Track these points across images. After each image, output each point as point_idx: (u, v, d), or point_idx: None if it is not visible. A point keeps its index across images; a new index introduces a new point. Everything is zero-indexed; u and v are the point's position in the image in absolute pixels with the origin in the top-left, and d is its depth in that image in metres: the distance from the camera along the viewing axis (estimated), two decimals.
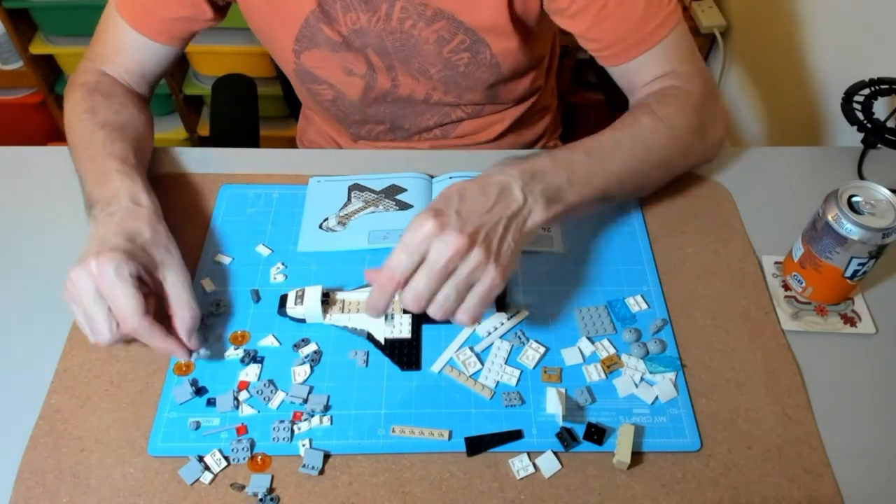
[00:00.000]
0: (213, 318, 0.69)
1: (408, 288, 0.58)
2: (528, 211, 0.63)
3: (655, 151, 0.72)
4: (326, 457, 0.60)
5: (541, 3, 0.79)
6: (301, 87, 0.96)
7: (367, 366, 0.65)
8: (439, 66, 0.85)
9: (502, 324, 0.68)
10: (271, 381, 0.64)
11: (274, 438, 0.60)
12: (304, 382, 0.64)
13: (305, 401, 0.62)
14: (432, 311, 0.59)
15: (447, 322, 0.68)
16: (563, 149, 0.69)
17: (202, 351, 0.64)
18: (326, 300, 0.69)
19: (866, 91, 0.86)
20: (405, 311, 0.69)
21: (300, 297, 0.67)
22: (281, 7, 0.81)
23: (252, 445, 0.60)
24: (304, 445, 0.60)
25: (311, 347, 0.66)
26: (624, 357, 0.66)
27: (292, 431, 0.61)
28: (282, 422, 0.61)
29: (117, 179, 0.68)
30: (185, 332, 0.63)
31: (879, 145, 0.84)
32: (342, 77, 0.88)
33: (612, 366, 0.65)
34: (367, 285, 0.71)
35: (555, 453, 0.60)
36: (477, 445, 0.60)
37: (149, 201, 0.68)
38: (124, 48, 0.82)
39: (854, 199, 0.65)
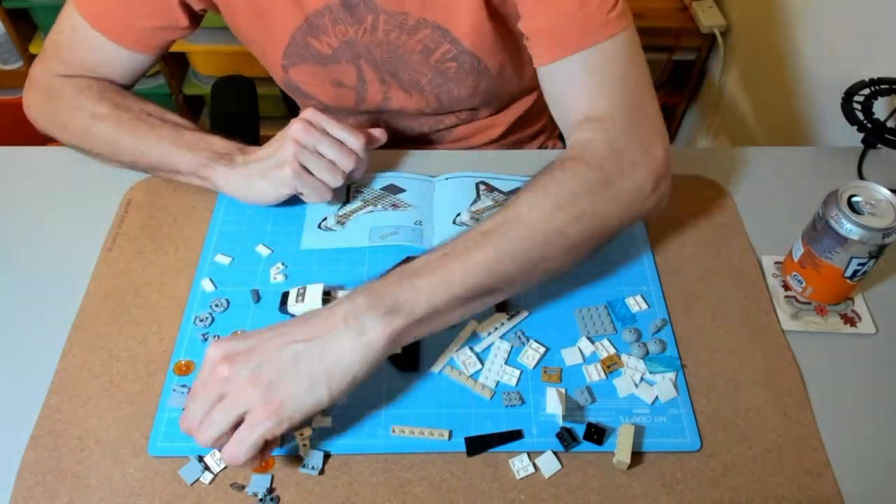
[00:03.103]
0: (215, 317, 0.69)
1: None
2: (356, 333, 0.53)
3: (538, 228, 0.60)
4: (326, 457, 0.60)
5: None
6: (294, 97, 0.98)
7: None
8: (430, 75, 0.84)
9: (502, 324, 0.68)
10: None
11: None
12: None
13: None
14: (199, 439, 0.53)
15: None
16: (420, 256, 0.60)
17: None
18: (328, 298, 0.69)
19: (866, 91, 0.87)
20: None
21: (301, 295, 0.67)
22: (267, 25, 0.81)
23: None
24: (304, 445, 0.60)
25: None
26: (624, 357, 0.66)
27: (283, 437, 0.60)
28: None
29: (218, 139, 0.76)
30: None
31: (879, 145, 0.84)
32: (331, 90, 0.89)
33: (612, 366, 0.65)
34: None
35: (555, 453, 0.60)
36: (477, 445, 0.60)
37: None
38: (104, 61, 0.80)
39: (854, 199, 0.65)
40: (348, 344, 0.53)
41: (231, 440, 0.52)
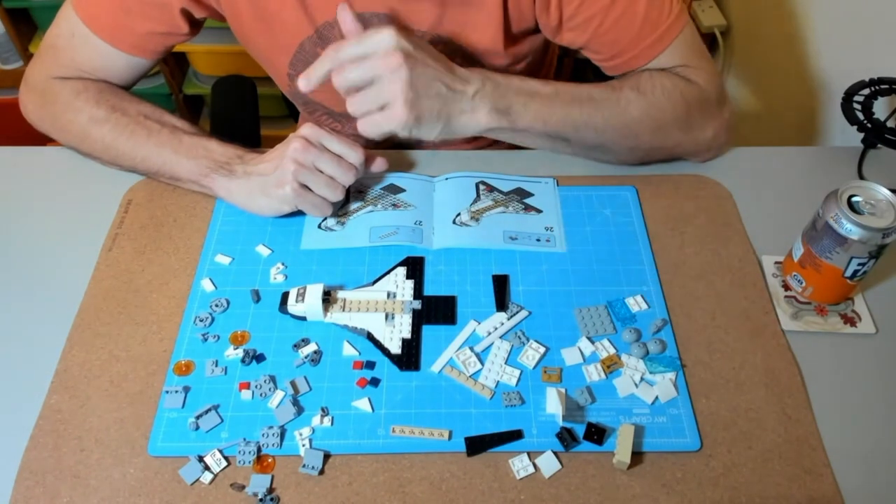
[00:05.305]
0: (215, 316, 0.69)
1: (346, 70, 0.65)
2: (471, 106, 0.69)
3: (624, 119, 0.75)
4: (326, 457, 0.60)
5: (535, 20, 0.79)
6: (296, 104, 0.98)
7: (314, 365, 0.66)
8: None
9: (502, 324, 0.68)
10: (272, 378, 0.64)
11: (263, 444, 0.60)
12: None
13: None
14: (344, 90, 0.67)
15: (448, 322, 0.68)
16: (539, 81, 0.73)
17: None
18: (327, 298, 0.69)
19: (866, 91, 0.86)
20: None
21: (301, 295, 0.67)
22: (275, 33, 0.80)
23: (259, 449, 0.60)
24: (304, 445, 0.60)
25: (311, 347, 0.66)
26: (624, 357, 0.66)
27: (282, 437, 0.61)
28: (270, 427, 0.61)
29: (217, 144, 0.76)
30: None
31: (879, 145, 0.84)
32: (338, 97, 0.88)
33: (612, 366, 0.65)
34: (367, 285, 0.72)
35: (555, 453, 0.60)
36: (477, 445, 0.60)
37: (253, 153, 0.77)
38: (103, 65, 0.80)
39: (854, 199, 0.65)
40: (466, 112, 0.69)
41: (368, 121, 0.67)
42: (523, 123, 0.72)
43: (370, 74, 0.65)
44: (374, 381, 0.64)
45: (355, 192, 0.80)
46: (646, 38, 0.75)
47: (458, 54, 0.80)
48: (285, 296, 0.68)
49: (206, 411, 0.61)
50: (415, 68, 0.65)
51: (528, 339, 0.67)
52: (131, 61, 0.81)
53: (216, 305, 0.70)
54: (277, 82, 0.91)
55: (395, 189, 0.80)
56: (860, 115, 0.84)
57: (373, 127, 0.67)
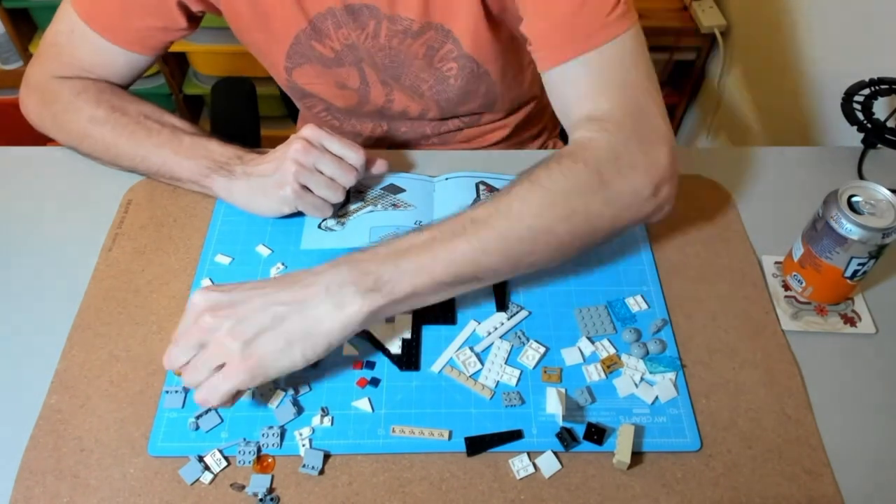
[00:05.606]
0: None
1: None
2: (333, 304, 0.56)
3: (523, 222, 0.60)
4: (326, 457, 0.60)
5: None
6: (295, 99, 0.98)
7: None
8: (431, 81, 0.85)
9: (502, 324, 0.68)
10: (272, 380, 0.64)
11: (263, 444, 0.60)
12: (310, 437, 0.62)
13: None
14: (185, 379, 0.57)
15: (448, 323, 0.67)
16: (414, 233, 0.61)
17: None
18: None
19: (866, 91, 0.86)
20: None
21: None
22: (270, 27, 0.81)
23: (259, 449, 0.60)
24: (304, 445, 0.60)
25: None
26: (624, 357, 0.66)
27: (282, 437, 0.60)
28: (270, 428, 0.61)
29: (217, 144, 0.76)
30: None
31: (879, 145, 0.84)
32: (335, 91, 0.89)
33: (612, 366, 0.65)
34: None
35: (555, 453, 0.60)
36: (477, 445, 0.60)
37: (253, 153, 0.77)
38: (102, 62, 0.80)
39: (854, 199, 0.65)
40: (327, 314, 0.56)
41: (205, 385, 0.56)
42: (403, 289, 0.58)
43: (194, 344, 0.57)
44: (374, 381, 0.64)
45: (355, 193, 0.80)
46: (582, 25, 0.64)
47: (448, 40, 0.79)
48: None
49: (206, 411, 0.62)
50: (234, 309, 0.56)
51: (528, 339, 0.67)
52: (130, 58, 0.81)
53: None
54: (274, 76, 0.91)
55: (395, 189, 0.80)
56: (860, 115, 0.84)
57: (213, 392, 0.55)
